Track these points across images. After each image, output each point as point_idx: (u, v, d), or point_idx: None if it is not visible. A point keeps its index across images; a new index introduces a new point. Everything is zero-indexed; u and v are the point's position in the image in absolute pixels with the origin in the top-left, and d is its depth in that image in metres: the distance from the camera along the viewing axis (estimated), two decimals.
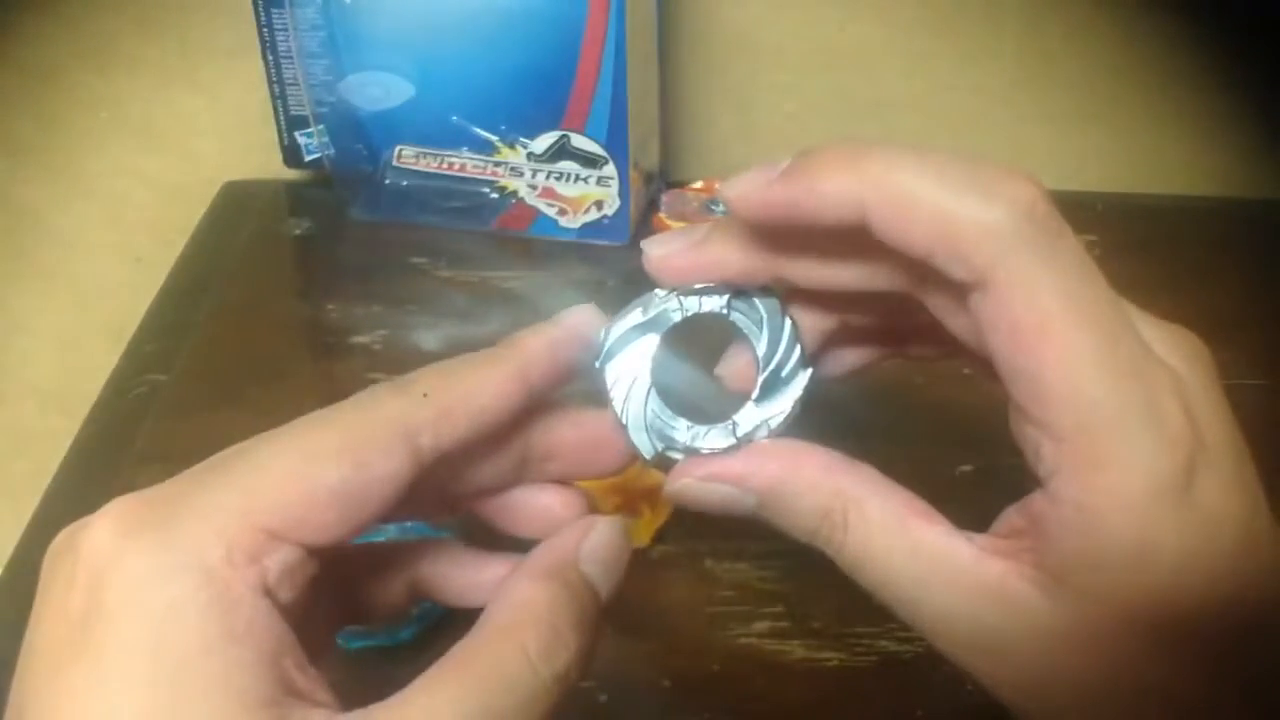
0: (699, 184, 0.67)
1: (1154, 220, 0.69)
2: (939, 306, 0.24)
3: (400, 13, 0.60)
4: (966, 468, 0.48)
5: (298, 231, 0.68)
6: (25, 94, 0.71)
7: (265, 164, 0.71)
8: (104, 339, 0.64)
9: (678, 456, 0.26)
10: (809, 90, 0.71)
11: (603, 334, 0.27)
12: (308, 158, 0.69)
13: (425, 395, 0.24)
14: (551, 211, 0.65)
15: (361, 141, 0.65)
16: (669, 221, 0.65)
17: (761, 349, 0.26)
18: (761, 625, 0.42)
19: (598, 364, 0.27)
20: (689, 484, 0.26)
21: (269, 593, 0.21)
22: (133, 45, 0.70)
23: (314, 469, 0.22)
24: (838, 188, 0.22)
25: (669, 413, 0.26)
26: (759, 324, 0.26)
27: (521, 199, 0.64)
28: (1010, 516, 0.23)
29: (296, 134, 0.69)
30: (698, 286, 0.26)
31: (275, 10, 0.64)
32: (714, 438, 0.26)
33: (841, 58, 0.70)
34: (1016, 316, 0.21)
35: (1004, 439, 0.23)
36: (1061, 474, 0.21)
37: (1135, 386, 0.21)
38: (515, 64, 0.60)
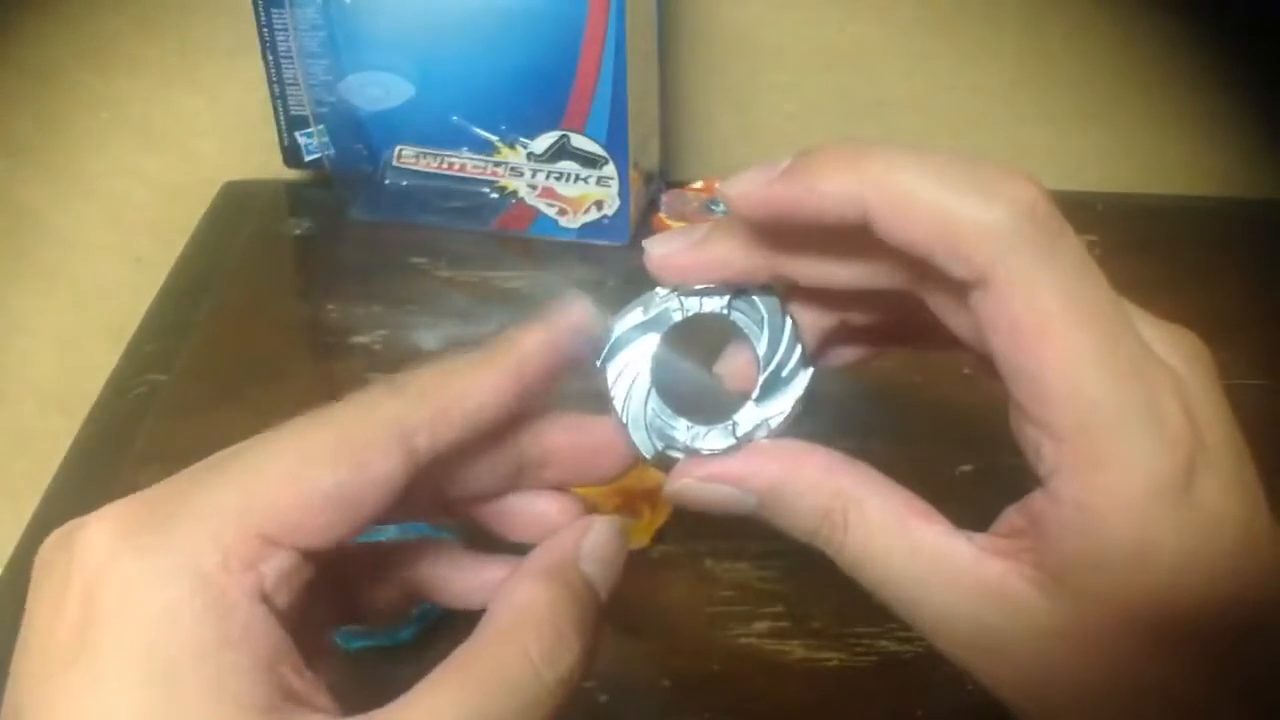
0: (699, 184, 0.67)
1: (1154, 220, 0.69)
2: (939, 304, 0.24)
3: (400, 13, 0.60)
4: (966, 468, 0.48)
5: (298, 231, 0.68)
6: (25, 94, 0.71)
7: (265, 164, 0.71)
8: (104, 339, 0.64)
9: (678, 456, 0.26)
10: (809, 90, 0.71)
11: (603, 333, 0.27)
12: (308, 158, 0.69)
13: (421, 395, 0.24)
14: (551, 211, 0.65)
15: (361, 141, 0.65)
16: (669, 221, 0.65)
17: (762, 348, 0.26)
18: (761, 625, 0.42)
19: (598, 363, 0.27)
20: (689, 484, 0.26)
21: (265, 599, 0.21)
22: (133, 45, 0.70)
23: (310, 472, 0.22)
24: (838, 187, 0.22)
25: (669, 412, 0.26)
26: (759, 323, 0.26)
27: (521, 199, 0.64)
28: (1010, 516, 0.23)
29: (296, 134, 0.69)
30: (698, 286, 0.26)
31: (275, 10, 0.64)
32: (714, 437, 0.26)
33: (841, 58, 0.70)
34: (1017, 316, 0.21)
35: (1004, 439, 0.23)
36: (1061, 474, 0.21)
37: (1135, 386, 0.21)
38: (515, 64, 0.60)
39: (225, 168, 0.73)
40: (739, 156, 0.72)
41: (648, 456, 0.26)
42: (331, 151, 0.66)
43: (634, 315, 0.27)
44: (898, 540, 0.23)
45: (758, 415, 0.26)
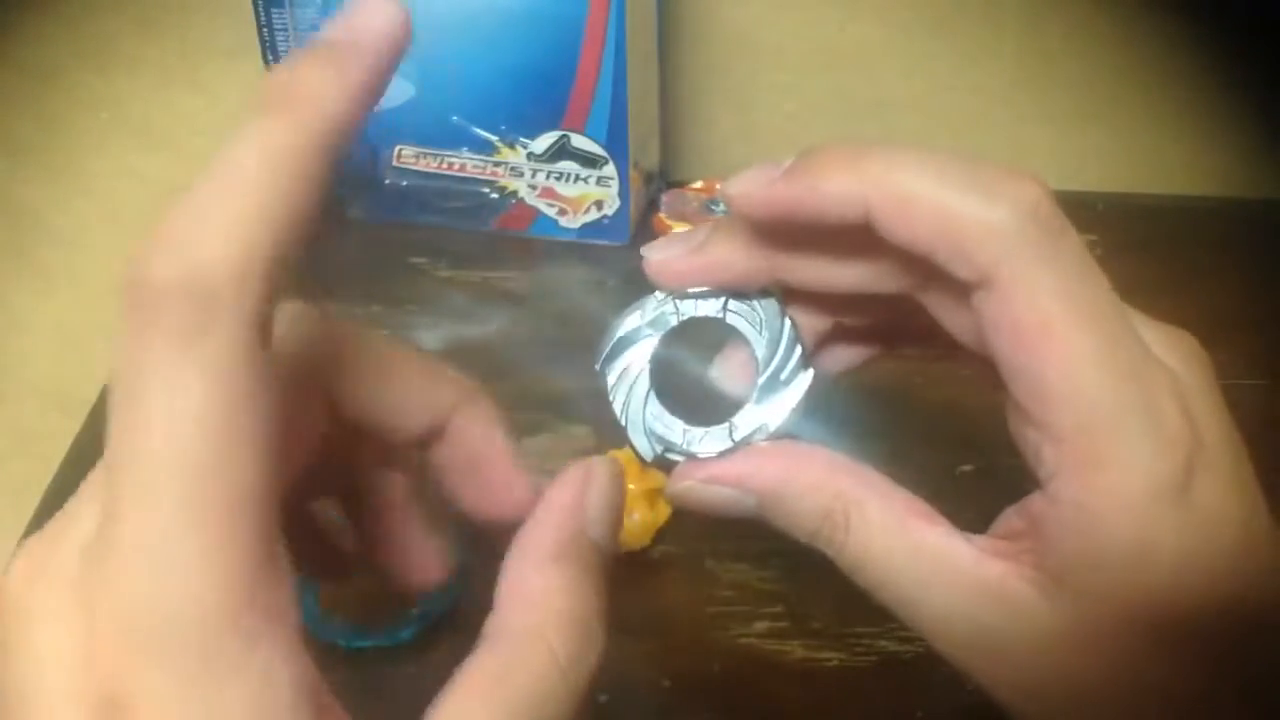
0: (699, 184, 0.67)
1: (1154, 220, 0.69)
2: (939, 307, 0.24)
3: None
4: (966, 468, 0.48)
5: None
6: (25, 94, 0.71)
7: None
8: (104, 339, 0.64)
9: (677, 458, 0.26)
10: (809, 90, 0.71)
11: (604, 335, 0.27)
12: None
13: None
14: (551, 211, 0.65)
15: (361, 141, 0.65)
16: (669, 221, 0.65)
17: (761, 351, 0.26)
18: (761, 625, 0.42)
19: (598, 366, 0.27)
20: (690, 486, 0.26)
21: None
22: (133, 45, 0.70)
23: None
24: (840, 186, 0.22)
25: (668, 415, 0.26)
26: (758, 326, 0.26)
27: (521, 199, 0.64)
28: (1010, 517, 0.23)
29: None
30: (695, 290, 0.26)
31: (275, 10, 0.64)
32: (713, 440, 0.26)
33: (841, 58, 0.70)
34: (1018, 316, 0.21)
35: (1004, 439, 0.23)
36: (1061, 474, 0.21)
37: (1135, 387, 0.21)
38: (515, 64, 0.60)
39: None
40: (739, 157, 0.72)
41: (647, 459, 0.26)
42: None
43: (633, 318, 0.27)
44: (898, 541, 0.23)
45: (757, 418, 0.26)
